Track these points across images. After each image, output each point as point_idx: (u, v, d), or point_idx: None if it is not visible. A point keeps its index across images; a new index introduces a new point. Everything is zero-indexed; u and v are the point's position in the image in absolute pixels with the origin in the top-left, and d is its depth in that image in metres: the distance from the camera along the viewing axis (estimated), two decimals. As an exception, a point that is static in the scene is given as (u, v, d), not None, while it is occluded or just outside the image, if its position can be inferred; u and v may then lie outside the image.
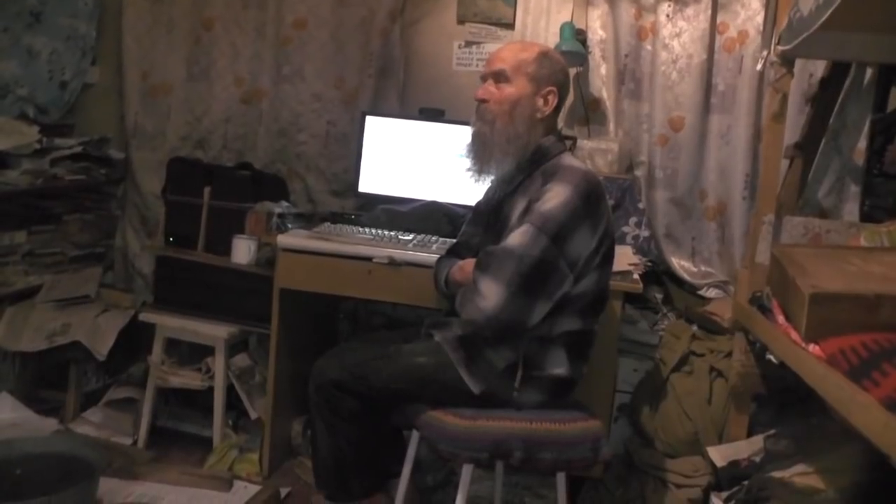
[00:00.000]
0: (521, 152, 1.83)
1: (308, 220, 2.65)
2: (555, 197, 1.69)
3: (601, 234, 1.75)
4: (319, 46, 2.97)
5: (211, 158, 3.07)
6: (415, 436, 1.91)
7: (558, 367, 1.78)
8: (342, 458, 1.92)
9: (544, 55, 1.87)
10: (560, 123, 2.75)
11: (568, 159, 1.83)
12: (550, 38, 2.74)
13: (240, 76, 3.04)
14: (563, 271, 1.68)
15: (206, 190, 2.68)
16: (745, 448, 2.00)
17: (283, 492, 2.40)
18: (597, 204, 1.73)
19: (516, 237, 1.68)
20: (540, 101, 1.84)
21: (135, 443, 2.63)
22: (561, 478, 1.81)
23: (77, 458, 2.10)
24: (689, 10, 2.66)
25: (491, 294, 1.66)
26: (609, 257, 1.82)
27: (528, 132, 1.82)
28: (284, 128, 3.03)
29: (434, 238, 2.36)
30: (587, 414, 1.81)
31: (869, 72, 2.38)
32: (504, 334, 1.73)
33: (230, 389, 2.60)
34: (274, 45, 2.99)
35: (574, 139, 2.66)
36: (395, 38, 2.91)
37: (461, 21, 2.90)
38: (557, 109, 1.89)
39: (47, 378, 2.79)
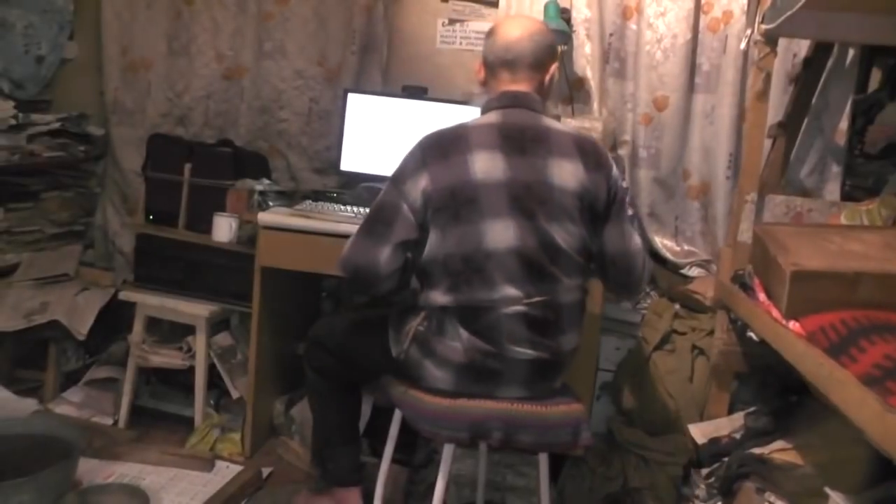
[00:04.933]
0: None
1: (290, 197, 2.62)
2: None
3: (432, 186, 1.66)
4: (302, 22, 2.93)
5: (192, 135, 3.03)
6: (397, 414, 1.91)
7: (453, 340, 1.68)
8: (327, 421, 2.05)
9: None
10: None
11: (483, 117, 1.79)
12: (535, 16, 2.72)
13: (221, 52, 3.00)
14: (404, 214, 1.68)
15: (187, 167, 2.65)
16: (725, 425, 2.02)
17: (265, 472, 2.39)
18: (440, 154, 1.69)
19: None
20: (479, 79, 1.89)
21: (115, 423, 2.61)
22: (543, 457, 1.81)
23: (56, 439, 2.09)
24: (674, -11, 2.65)
25: (347, 243, 1.75)
26: (455, 216, 1.65)
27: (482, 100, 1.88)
28: (266, 105, 2.99)
29: (416, 216, 2.34)
30: (570, 397, 1.78)
31: (851, 52, 2.39)
32: (359, 281, 1.75)
33: (212, 368, 2.58)
34: (255, 20, 2.95)
35: (557, 118, 2.65)
36: (378, 14, 2.88)
37: (445, -2, 2.87)
38: (490, 74, 1.83)
39: (26, 358, 2.76)
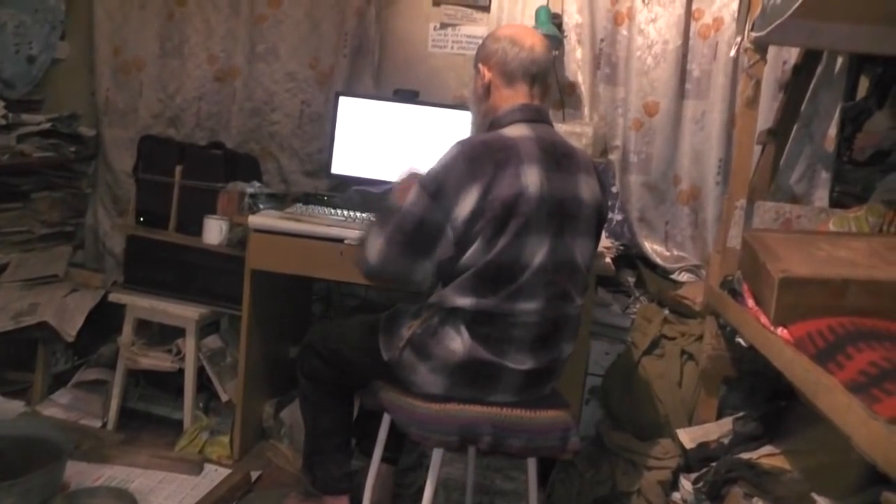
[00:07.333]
0: (479, 131, 1.82)
1: (280, 200, 2.62)
2: (443, 157, 1.67)
3: (485, 198, 1.60)
4: (294, 25, 2.94)
5: (183, 136, 3.03)
6: (386, 418, 1.91)
7: (453, 341, 1.68)
8: (318, 428, 2.04)
9: (484, 38, 1.85)
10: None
11: (511, 128, 1.71)
12: (526, 21, 2.72)
13: (213, 54, 3.00)
14: (447, 235, 1.63)
15: (178, 169, 2.65)
16: (714, 430, 2.02)
17: (254, 475, 2.39)
18: (492, 164, 1.61)
19: (408, 195, 1.67)
20: (478, 82, 1.82)
21: (104, 425, 2.60)
22: (532, 462, 1.81)
23: (44, 441, 2.08)
24: (665, -4, 2.66)
25: (374, 248, 1.68)
26: (502, 228, 1.62)
27: (479, 112, 1.83)
28: (258, 107, 2.99)
29: (408, 220, 2.34)
30: (559, 403, 1.79)
31: (840, 60, 2.40)
32: (387, 283, 1.78)
33: (201, 371, 2.57)
34: (248, 22, 2.95)
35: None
36: (370, 18, 2.88)
37: (437, 3, 2.87)
38: (506, 82, 1.76)
39: (14, 359, 2.74)
